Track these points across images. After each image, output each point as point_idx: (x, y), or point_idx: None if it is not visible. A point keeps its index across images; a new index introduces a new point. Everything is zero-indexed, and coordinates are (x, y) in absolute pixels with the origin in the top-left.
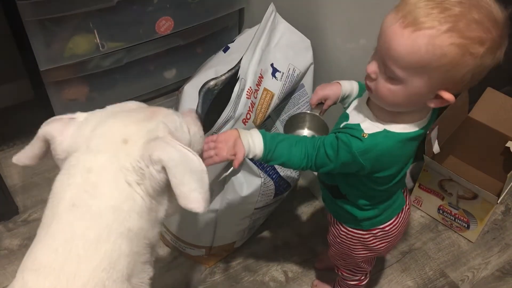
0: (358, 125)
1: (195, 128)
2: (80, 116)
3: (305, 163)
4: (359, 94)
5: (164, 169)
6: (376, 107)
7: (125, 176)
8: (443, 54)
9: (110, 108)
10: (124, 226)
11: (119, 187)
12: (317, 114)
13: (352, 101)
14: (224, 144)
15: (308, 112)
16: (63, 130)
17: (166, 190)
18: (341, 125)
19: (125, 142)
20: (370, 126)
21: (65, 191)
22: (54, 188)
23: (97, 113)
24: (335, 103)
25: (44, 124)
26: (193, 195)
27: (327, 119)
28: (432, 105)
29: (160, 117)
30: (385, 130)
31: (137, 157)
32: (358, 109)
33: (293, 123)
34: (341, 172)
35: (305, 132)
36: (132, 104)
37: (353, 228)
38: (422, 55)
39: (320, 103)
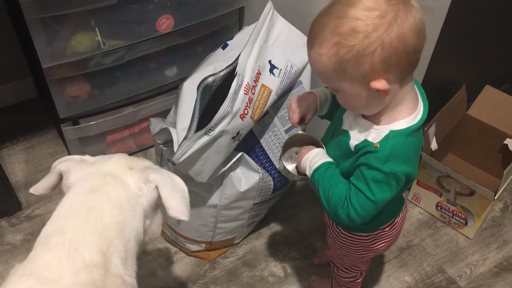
0: (366, 140)
1: None
2: (89, 158)
3: (344, 198)
4: (333, 99)
5: (157, 188)
6: (371, 115)
7: (129, 187)
8: (334, 55)
9: (117, 154)
10: (131, 211)
11: (127, 190)
12: (301, 131)
13: (330, 109)
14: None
15: (295, 134)
16: (77, 166)
17: (154, 210)
18: (352, 148)
19: (130, 169)
20: (376, 135)
21: (86, 184)
22: (76, 185)
23: (104, 156)
24: (315, 114)
25: (59, 162)
26: (180, 207)
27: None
28: (382, 96)
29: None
30: (391, 131)
31: (138, 178)
32: (356, 124)
33: (285, 149)
34: (383, 198)
35: (295, 150)
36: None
37: (354, 232)
38: (322, 64)
39: (301, 119)
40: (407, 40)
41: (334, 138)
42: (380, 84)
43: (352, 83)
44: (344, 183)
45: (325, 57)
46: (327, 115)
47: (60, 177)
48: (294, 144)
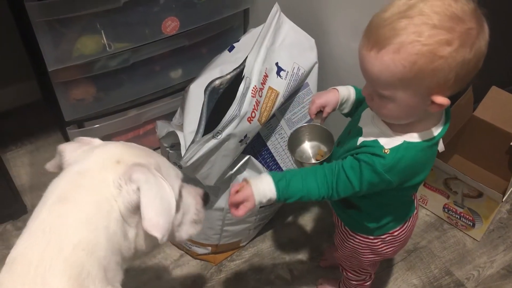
0: (376, 141)
1: (190, 199)
2: (97, 141)
3: (326, 192)
4: (357, 98)
5: (139, 191)
6: None
7: (106, 187)
8: (412, 64)
9: (123, 142)
10: (102, 223)
11: (100, 192)
12: (318, 123)
13: (354, 108)
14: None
15: (307, 124)
16: (75, 149)
17: (135, 217)
18: (358, 143)
19: (117, 162)
20: (389, 141)
21: (56, 188)
22: (48, 187)
23: (111, 142)
24: (334, 109)
25: (65, 143)
26: (157, 219)
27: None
28: (432, 110)
29: (158, 158)
30: (405, 142)
31: (120, 174)
32: (372, 123)
33: (295, 139)
34: (367, 192)
35: (309, 144)
36: (145, 148)
37: (362, 235)
38: (393, 70)
39: (319, 112)
40: (478, 60)
41: (350, 135)
42: (443, 99)
43: (413, 94)
44: (311, 177)
45: (399, 64)
46: (350, 113)
47: None
48: (306, 134)
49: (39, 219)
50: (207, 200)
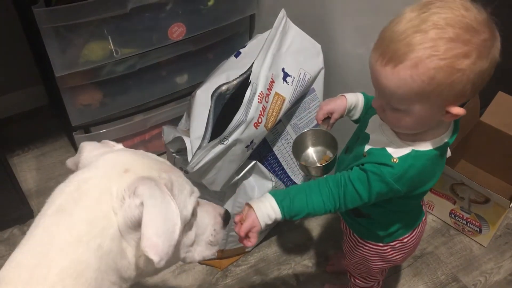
0: (384, 150)
1: (208, 219)
2: (119, 146)
3: (332, 206)
4: (365, 105)
5: (142, 206)
6: None
7: (107, 199)
8: (431, 78)
9: (142, 151)
10: (94, 241)
11: (100, 205)
12: (323, 129)
13: (363, 114)
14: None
15: (312, 129)
16: (94, 149)
17: (135, 234)
18: (365, 150)
19: (125, 171)
20: (397, 149)
21: (60, 194)
22: (52, 193)
23: (128, 149)
24: (341, 116)
25: (87, 142)
26: (156, 240)
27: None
28: (446, 120)
29: (173, 174)
30: (413, 151)
31: (125, 185)
32: (380, 130)
33: (299, 144)
34: (375, 202)
35: (313, 149)
36: (164, 161)
37: (372, 242)
38: (411, 85)
39: (327, 118)
40: (492, 68)
41: (358, 142)
42: (459, 110)
43: (429, 107)
44: (316, 192)
45: (418, 79)
46: (359, 120)
47: None
48: (310, 139)
49: (35, 231)
50: (227, 220)
